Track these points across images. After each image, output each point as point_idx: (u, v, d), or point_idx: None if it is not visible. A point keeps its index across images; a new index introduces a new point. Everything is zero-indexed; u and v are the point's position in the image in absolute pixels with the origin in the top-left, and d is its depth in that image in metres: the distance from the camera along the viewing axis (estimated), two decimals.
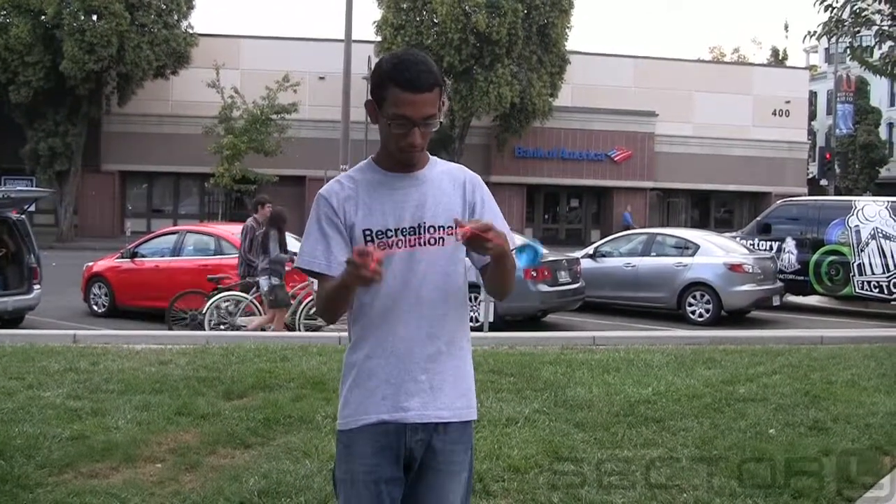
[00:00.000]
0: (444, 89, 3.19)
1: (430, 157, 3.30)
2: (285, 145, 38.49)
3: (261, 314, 14.22)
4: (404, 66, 3.06)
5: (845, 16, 11.16)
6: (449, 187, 3.24)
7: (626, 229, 30.85)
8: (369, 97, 3.19)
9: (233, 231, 17.35)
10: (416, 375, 3.17)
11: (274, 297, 13.75)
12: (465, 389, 3.27)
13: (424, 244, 3.17)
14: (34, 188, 32.98)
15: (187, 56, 40.12)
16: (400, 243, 3.17)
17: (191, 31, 40.90)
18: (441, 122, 3.23)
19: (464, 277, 3.27)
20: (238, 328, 14.13)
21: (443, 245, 3.18)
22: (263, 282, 13.77)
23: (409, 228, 3.17)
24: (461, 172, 3.35)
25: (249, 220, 15.02)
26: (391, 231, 3.17)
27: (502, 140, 44.54)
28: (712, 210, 53.59)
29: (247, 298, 14.44)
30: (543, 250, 3.09)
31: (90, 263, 18.51)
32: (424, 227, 3.17)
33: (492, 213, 3.29)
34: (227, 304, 14.55)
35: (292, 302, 14.46)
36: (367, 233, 3.17)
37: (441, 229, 3.18)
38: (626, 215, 46.99)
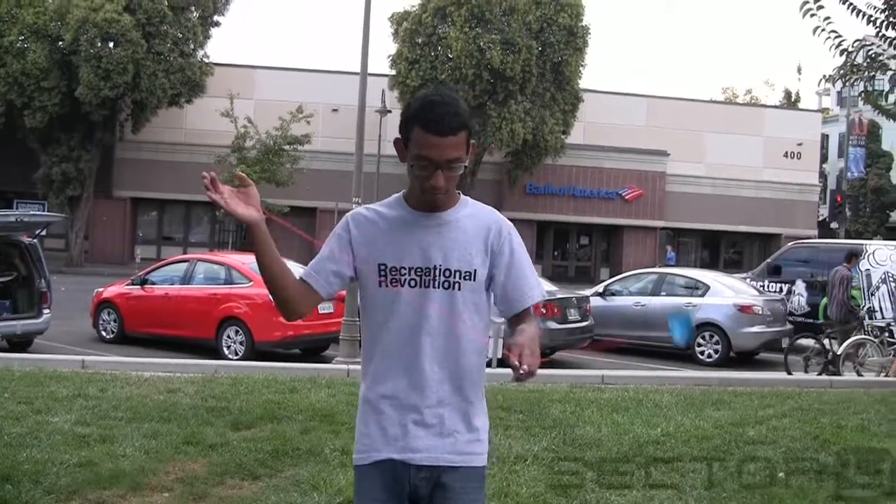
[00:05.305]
0: (473, 131, 3.16)
1: (462, 197, 3.25)
2: (297, 176, 38.60)
3: (881, 355, 15.45)
4: (430, 108, 3.03)
5: (860, 60, 11.16)
6: (471, 231, 3.20)
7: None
8: (399, 135, 3.17)
9: (243, 261, 17.34)
10: (427, 419, 3.15)
11: None
12: (476, 435, 3.23)
13: (438, 286, 3.14)
14: (46, 213, 33.06)
15: (202, 85, 40.20)
16: (412, 282, 3.15)
17: (206, 61, 41.05)
18: (466, 166, 3.17)
19: (483, 322, 3.23)
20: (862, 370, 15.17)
21: (458, 290, 3.15)
22: None
23: (422, 269, 3.14)
24: (490, 217, 3.30)
25: (841, 268, 16.82)
26: (404, 269, 3.15)
27: (514, 176, 44.51)
28: (722, 250, 53.50)
29: (874, 341, 15.57)
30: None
31: (100, 289, 18.54)
32: (438, 269, 3.14)
33: (519, 266, 3.29)
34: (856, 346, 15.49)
35: None
36: (382, 267, 3.17)
37: (457, 273, 3.15)
38: (671, 255, 47.31)
